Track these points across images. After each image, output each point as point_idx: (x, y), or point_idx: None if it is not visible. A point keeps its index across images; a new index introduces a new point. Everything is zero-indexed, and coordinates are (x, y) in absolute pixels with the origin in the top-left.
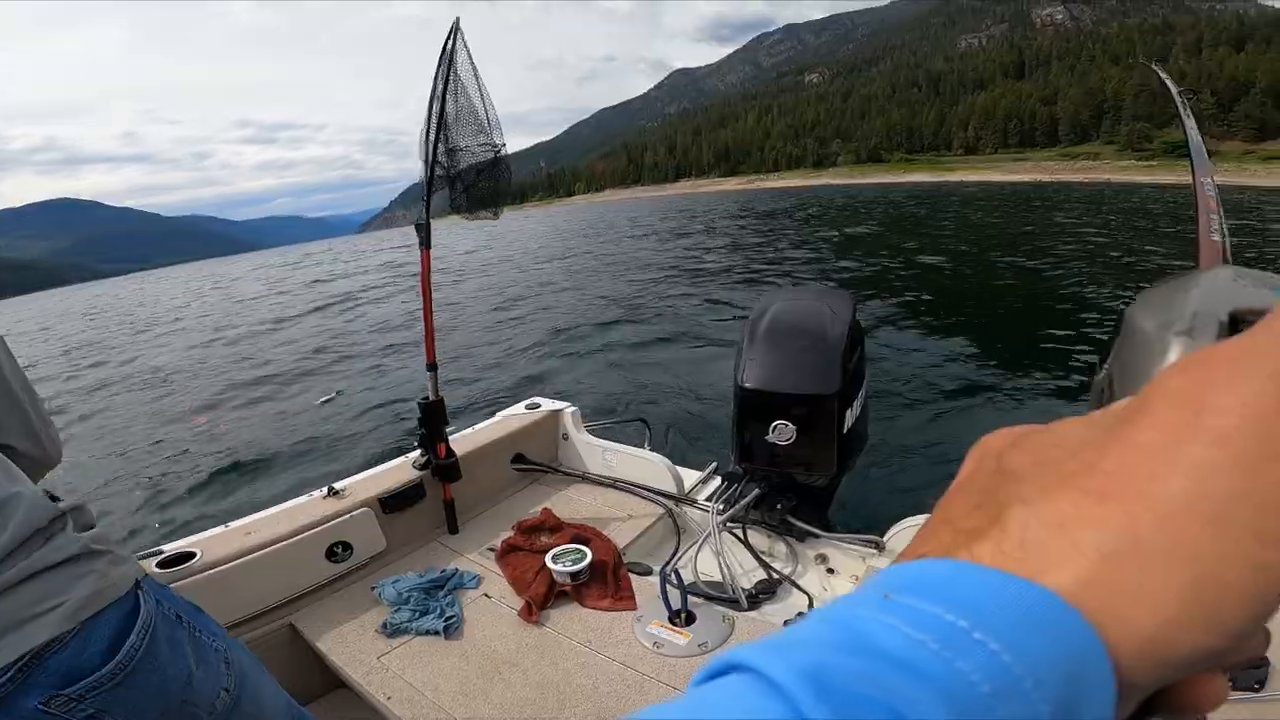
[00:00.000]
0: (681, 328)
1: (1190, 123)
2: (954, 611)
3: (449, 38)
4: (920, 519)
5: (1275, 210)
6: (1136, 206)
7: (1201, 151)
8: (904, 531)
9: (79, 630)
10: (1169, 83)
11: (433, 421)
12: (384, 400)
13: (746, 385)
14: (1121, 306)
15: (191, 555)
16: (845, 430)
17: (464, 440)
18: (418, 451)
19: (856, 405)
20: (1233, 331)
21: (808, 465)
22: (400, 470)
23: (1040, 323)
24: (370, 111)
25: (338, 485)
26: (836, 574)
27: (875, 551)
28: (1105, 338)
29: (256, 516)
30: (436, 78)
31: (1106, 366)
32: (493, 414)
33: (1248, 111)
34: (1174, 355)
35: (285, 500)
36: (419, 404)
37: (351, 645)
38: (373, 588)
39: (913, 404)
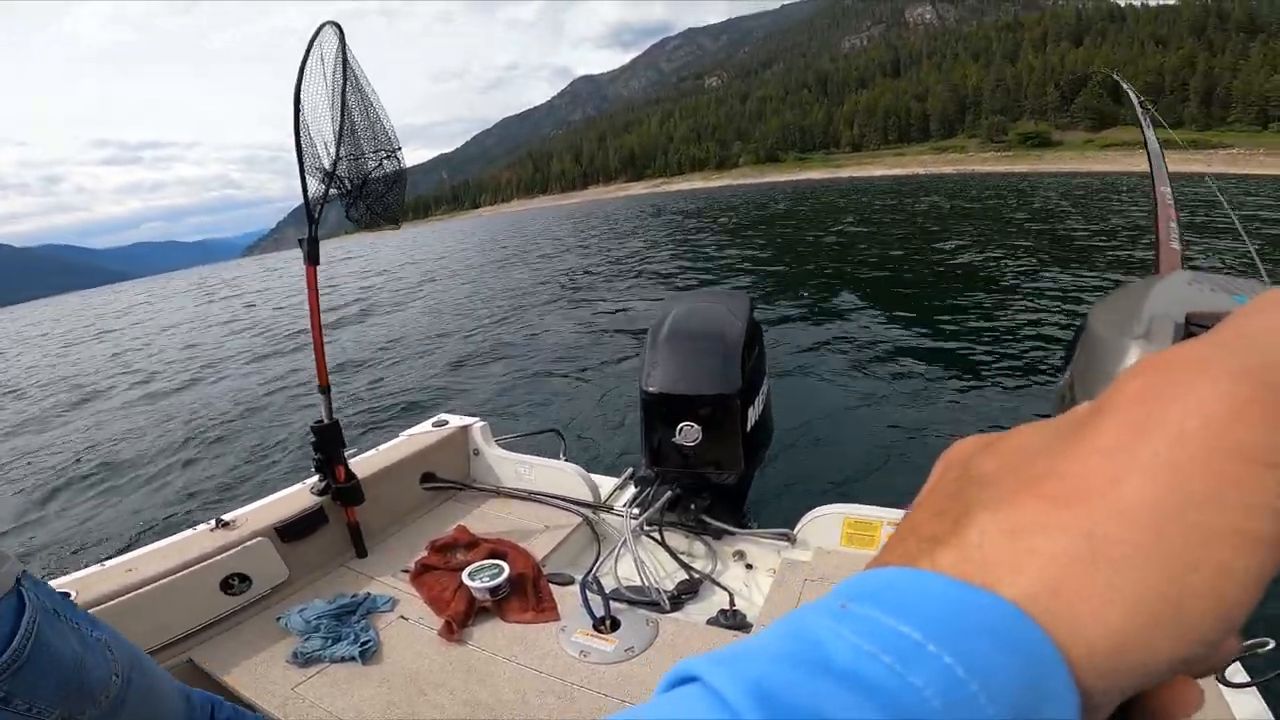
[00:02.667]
0: (590, 336)
1: (1150, 133)
2: (908, 623)
3: (314, 41)
4: (828, 509)
5: (1126, 191)
6: (1001, 190)
7: (1160, 160)
8: (813, 522)
9: None
10: (1131, 93)
11: (329, 445)
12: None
13: (650, 390)
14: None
15: (64, 596)
16: (749, 428)
17: (367, 462)
18: (315, 477)
19: (759, 402)
20: (1188, 335)
21: (717, 464)
22: (297, 497)
23: (934, 300)
24: (250, 127)
25: (227, 516)
26: (755, 569)
27: (788, 544)
28: (1063, 338)
29: (138, 553)
30: (303, 81)
31: (1069, 371)
32: (396, 434)
33: (1086, 103)
34: (1132, 359)
35: (169, 536)
36: (313, 428)
37: (261, 677)
38: (278, 618)
39: (815, 395)
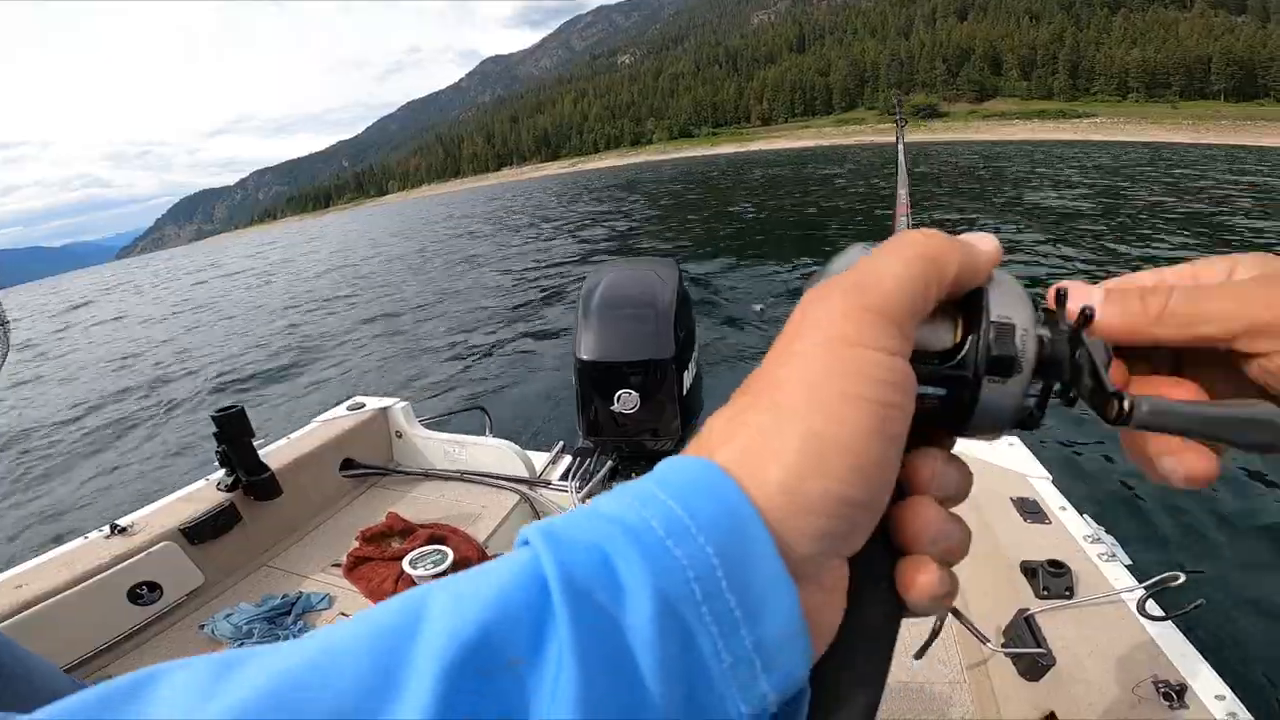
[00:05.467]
0: (512, 312)
1: (901, 146)
2: (654, 482)
3: None
4: None
5: (1003, 158)
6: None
7: (903, 168)
8: None
9: None
10: (897, 107)
11: (234, 434)
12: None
13: (584, 358)
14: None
15: None
16: (685, 392)
17: (279, 452)
18: (221, 471)
19: (692, 366)
20: None
21: (654, 431)
22: (201, 495)
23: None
24: (114, 122)
25: (122, 521)
26: None
27: None
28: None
29: (24, 567)
30: None
31: None
32: (308, 421)
33: (970, 76)
34: None
35: (57, 546)
36: (214, 417)
37: None
38: (201, 626)
39: (744, 354)
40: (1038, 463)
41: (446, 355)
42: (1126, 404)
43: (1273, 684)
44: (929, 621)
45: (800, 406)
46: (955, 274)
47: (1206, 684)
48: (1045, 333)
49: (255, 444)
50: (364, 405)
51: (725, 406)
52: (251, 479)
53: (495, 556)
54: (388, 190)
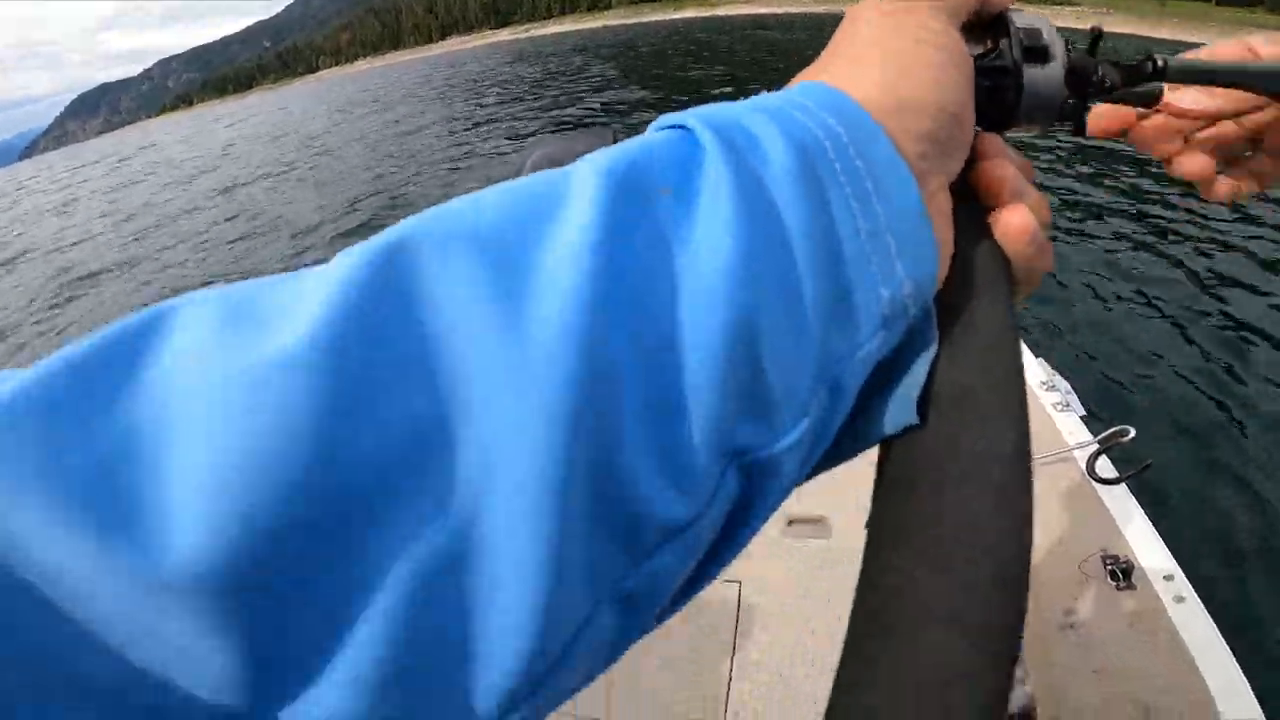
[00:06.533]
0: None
1: None
2: (801, 94)
3: None
4: None
5: None
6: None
7: None
8: None
9: None
10: None
11: None
12: None
13: None
14: None
15: None
16: None
17: None
18: None
19: None
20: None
21: None
22: None
23: None
24: None
25: None
26: None
27: None
28: None
29: None
30: None
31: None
32: None
33: None
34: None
35: None
36: None
37: None
38: None
39: None
40: None
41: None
42: (1160, 60)
43: (1218, 556)
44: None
45: (878, 44)
46: None
47: (1155, 561)
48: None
49: None
50: None
51: (834, 63)
52: None
53: None
54: (319, 66)
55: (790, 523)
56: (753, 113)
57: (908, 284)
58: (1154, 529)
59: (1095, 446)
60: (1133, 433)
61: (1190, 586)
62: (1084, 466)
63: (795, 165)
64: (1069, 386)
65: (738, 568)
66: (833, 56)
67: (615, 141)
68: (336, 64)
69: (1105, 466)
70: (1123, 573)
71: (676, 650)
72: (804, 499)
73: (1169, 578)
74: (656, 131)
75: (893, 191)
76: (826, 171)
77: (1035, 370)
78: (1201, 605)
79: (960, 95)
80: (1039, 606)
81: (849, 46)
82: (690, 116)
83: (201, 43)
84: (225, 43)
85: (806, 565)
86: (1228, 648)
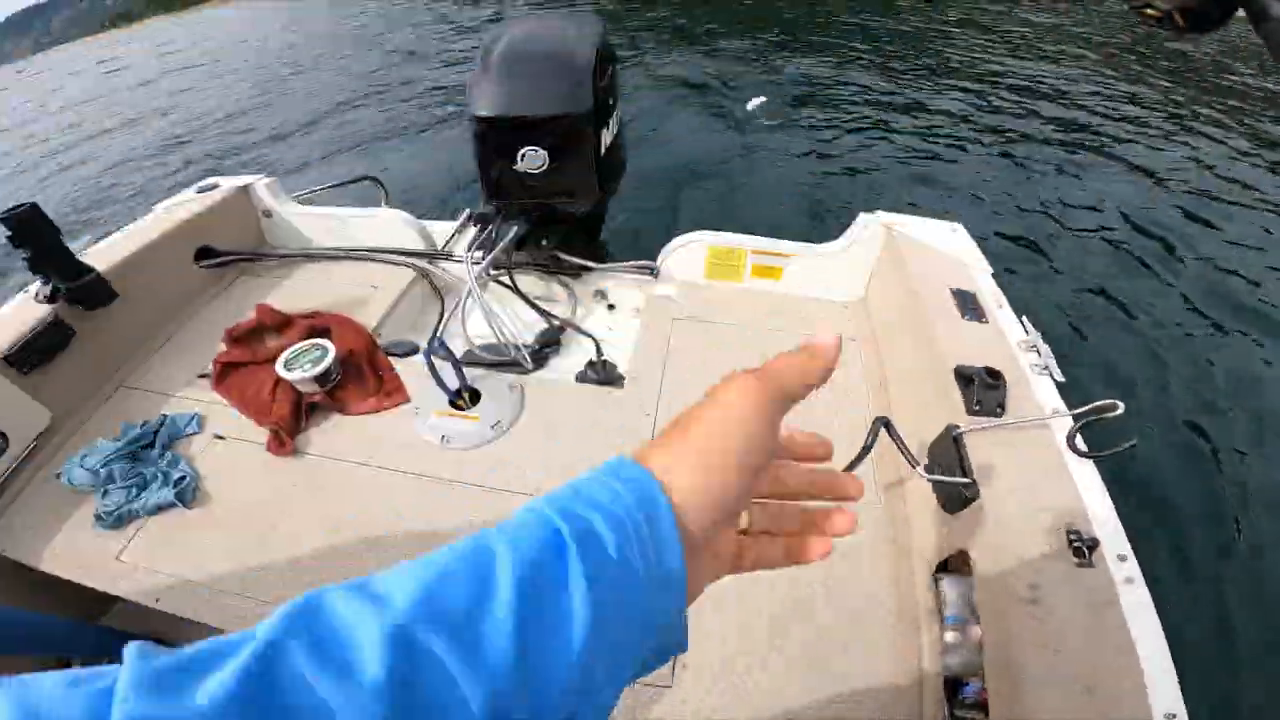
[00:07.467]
0: (407, 68)
1: None
2: (610, 476)
3: None
4: (690, 238)
5: None
6: None
7: None
8: (676, 252)
9: None
10: None
11: (32, 234)
12: None
13: (481, 114)
14: None
15: None
16: (604, 151)
17: (111, 249)
18: (38, 281)
19: (613, 125)
20: None
21: (569, 193)
22: (19, 315)
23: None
24: None
25: None
26: (618, 309)
27: (651, 278)
28: None
29: None
30: None
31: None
32: (148, 212)
33: None
34: None
35: None
36: (2, 219)
37: (73, 555)
38: (56, 475)
39: (672, 127)
40: (980, 254)
41: (323, 122)
42: None
43: (1177, 539)
44: (860, 437)
45: (701, 451)
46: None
47: (1113, 540)
48: None
49: (77, 244)
50: (217, 186)
51: (660, 436)
52: (71, 285)
53: (386, 346)
54: None
55: None
56: (591, 510)
57: (674, 609)
58: (1113, 505)
59: (1077, 418)
60: (1121, 407)
61: (1139, 569)
62: (1064, 438)
63: (616, 541)
64: (1049, 350)
65: None
66: (668, 444)
67: (605, 32)
68: None
69: (1083, 439)
70: (1087, 549)
71: None
72: None
73: (1122, 558)
74: (537, 519)
75: (665, 553)
76: (633, 540)
77: (1016, 329)
78: (1146, 589)
79: (747, 481)
80: (1004, 576)
81: (681, 442)
82: (561, 524)
83: None
84: None
85: None
86: (1163, 635)
